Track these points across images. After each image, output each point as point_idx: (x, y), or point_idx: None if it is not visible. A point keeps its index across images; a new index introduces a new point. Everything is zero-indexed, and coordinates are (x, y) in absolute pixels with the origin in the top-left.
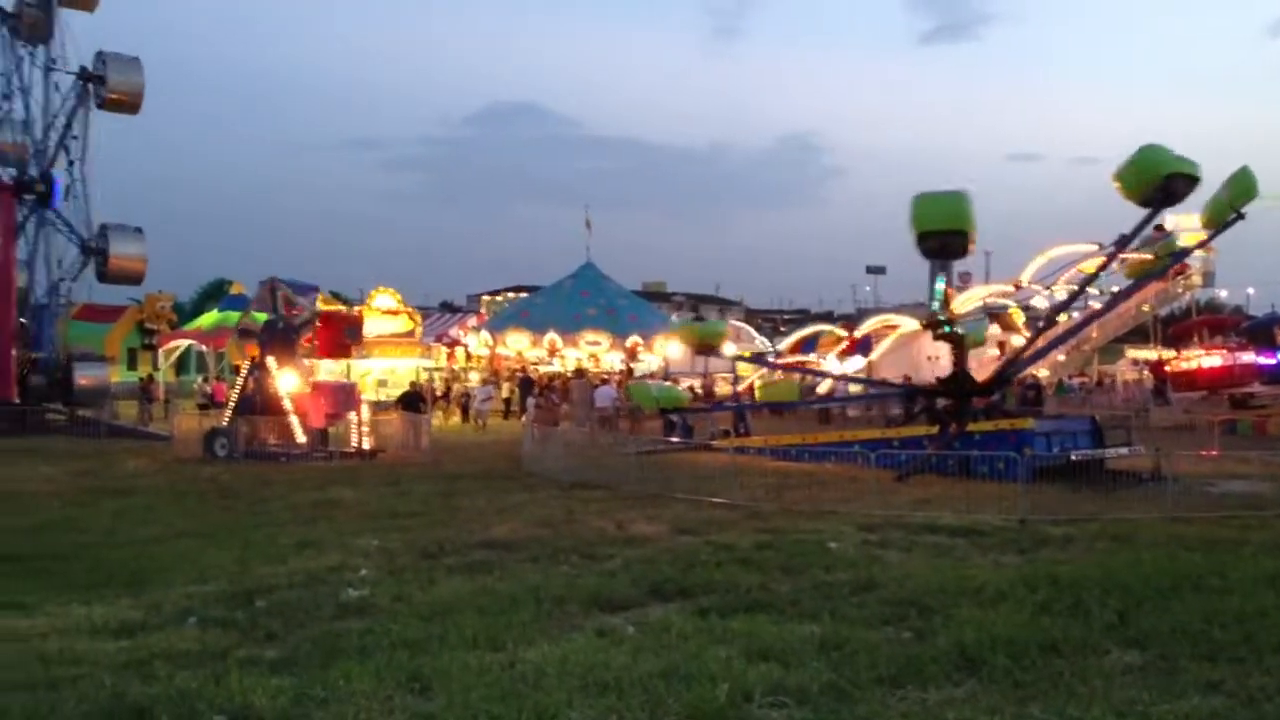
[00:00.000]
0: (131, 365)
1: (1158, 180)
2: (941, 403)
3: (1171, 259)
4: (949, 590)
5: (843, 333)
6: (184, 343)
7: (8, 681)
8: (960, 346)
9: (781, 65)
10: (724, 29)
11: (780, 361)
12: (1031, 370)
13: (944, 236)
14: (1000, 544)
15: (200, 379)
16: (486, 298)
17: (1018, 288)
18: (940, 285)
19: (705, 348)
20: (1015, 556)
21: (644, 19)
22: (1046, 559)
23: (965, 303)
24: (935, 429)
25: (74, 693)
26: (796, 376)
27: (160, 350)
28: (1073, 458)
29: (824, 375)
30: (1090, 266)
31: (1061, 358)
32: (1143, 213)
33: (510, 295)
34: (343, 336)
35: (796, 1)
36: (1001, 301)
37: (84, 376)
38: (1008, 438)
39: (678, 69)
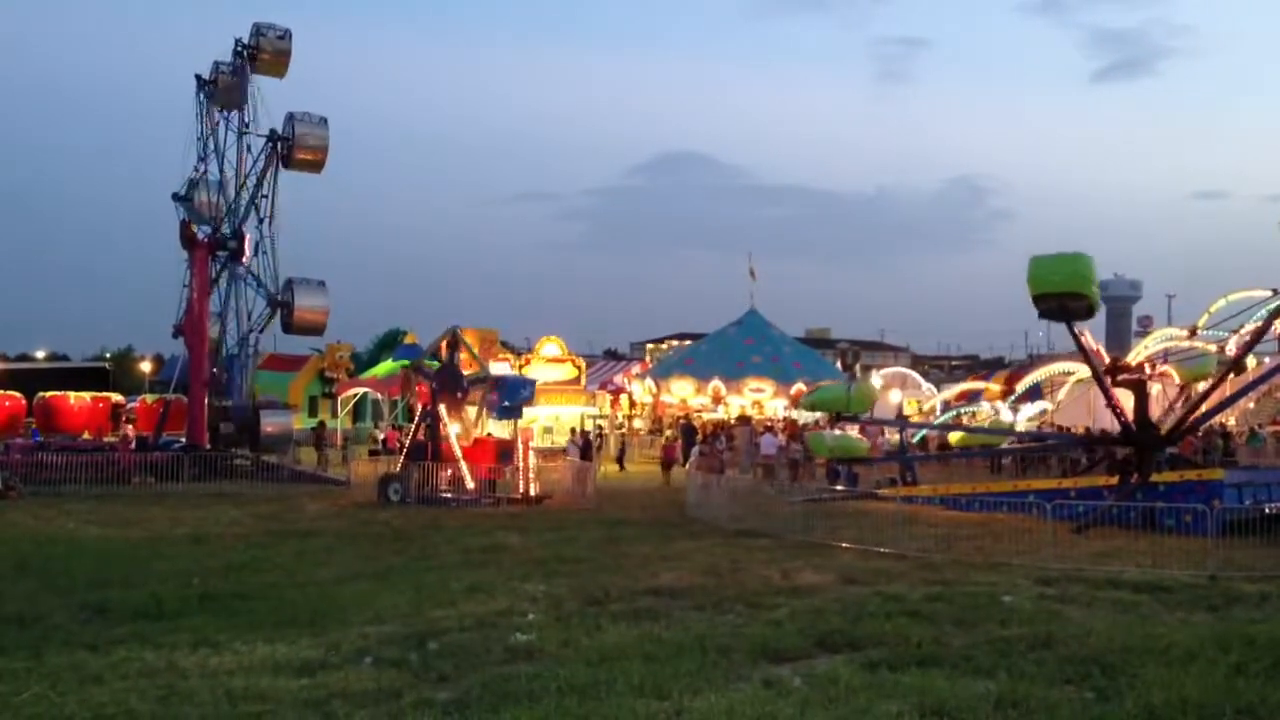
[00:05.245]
0: (312, 412)
1: None
2: (1122, 452)
3: None
4: (1134, 649)
5: (995, 386)
6: (360, 390)
7: (200, 717)
8: (1143, 394)
9: (949, 108)
10: (890, 73)
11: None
12: (1220, 418)
13: (1062, 298)
14: (1189, 601)
15: (375, 425)
16: (650, 345)
17: (1193, 334)
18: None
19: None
20: (1205, 614)
21: (810, 66)
22: (1240, 618)
23: (1144, 349)
24: (1115, 479)
25: None
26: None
27: (338, 398)
28: (1267, 511)
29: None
30: None
31: (1252, 405)
32: None
33: (674, 343)
34: (497, 459)
35: (964, 43)
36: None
37: (270, 423)
38: (1195, 489)
39: (844, 115)
